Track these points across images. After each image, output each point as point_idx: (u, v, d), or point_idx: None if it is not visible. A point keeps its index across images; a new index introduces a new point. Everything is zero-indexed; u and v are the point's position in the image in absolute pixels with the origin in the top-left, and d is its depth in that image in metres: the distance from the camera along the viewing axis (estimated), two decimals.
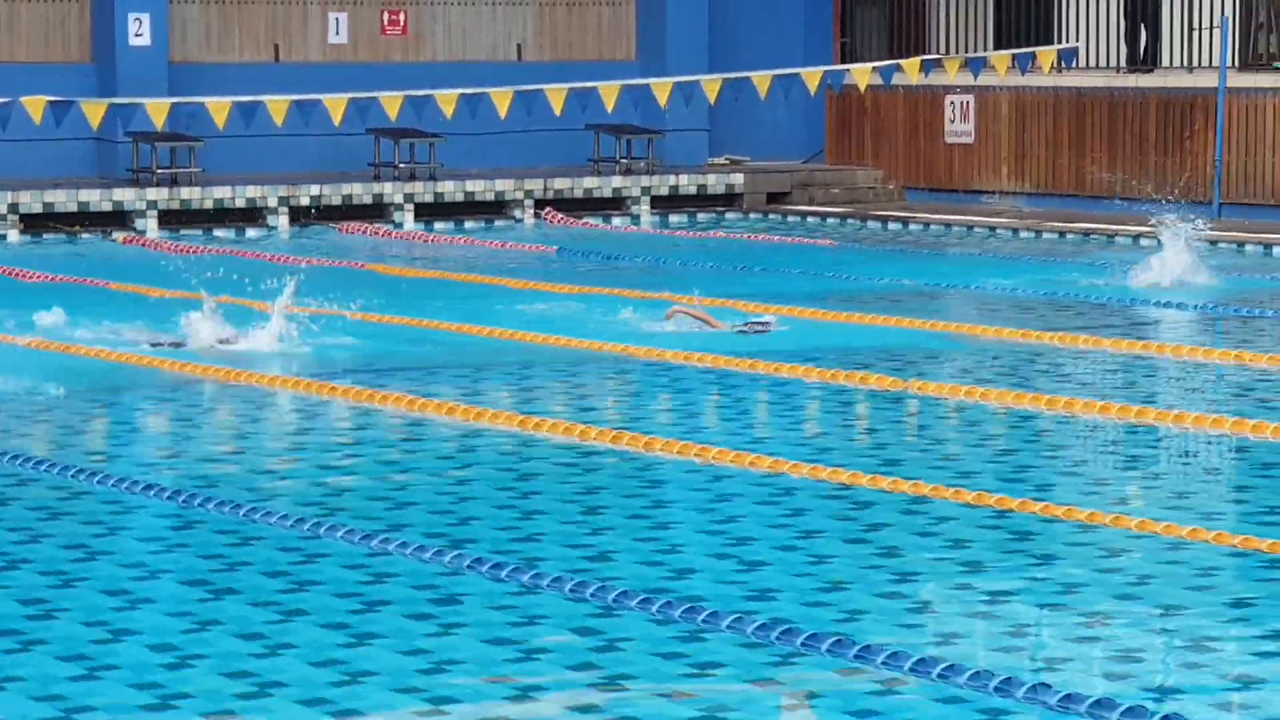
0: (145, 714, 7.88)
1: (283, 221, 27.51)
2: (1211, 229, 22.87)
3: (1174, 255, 21.15)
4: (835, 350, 16.98)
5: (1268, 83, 27.08)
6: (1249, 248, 24.82)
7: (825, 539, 10.79)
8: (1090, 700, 7.83)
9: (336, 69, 29.59)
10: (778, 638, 8.75)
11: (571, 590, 9.53)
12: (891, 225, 28.29)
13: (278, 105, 25.70)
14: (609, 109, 27.61)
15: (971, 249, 25.89)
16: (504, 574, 9.83)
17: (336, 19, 30.30)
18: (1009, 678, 8.14)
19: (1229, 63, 27.28)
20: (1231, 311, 19.69)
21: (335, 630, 8.97)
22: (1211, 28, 27.85)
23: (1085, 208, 28.09)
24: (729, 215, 29.42)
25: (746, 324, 18.15)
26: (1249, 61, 28.04)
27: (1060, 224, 27.08)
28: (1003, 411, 14.47)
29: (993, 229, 27.35)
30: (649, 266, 23.92)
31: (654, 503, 11.92)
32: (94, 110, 25.53)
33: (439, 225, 27.89)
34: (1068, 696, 7.89)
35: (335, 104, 25.90)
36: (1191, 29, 28.50)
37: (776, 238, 26.95)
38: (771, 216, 29.43)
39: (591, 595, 9.44)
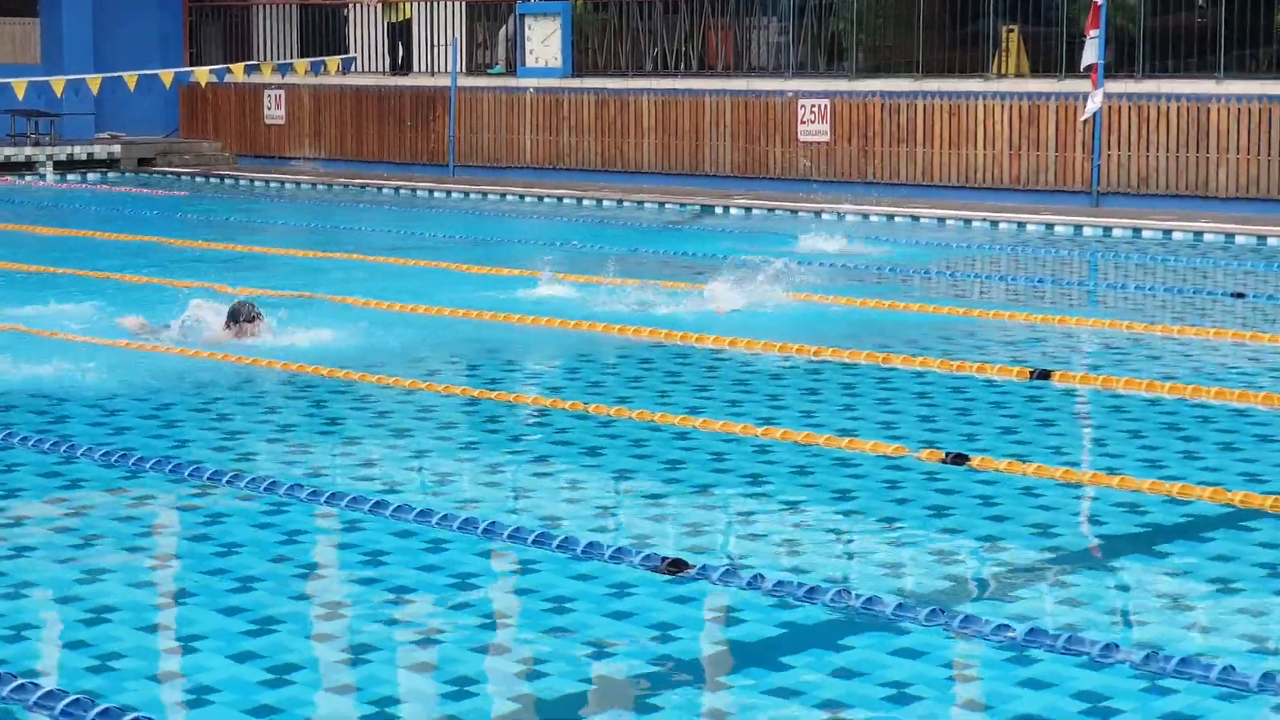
0: None
1: None
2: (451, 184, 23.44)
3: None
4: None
5: (484, 83, 27.63)
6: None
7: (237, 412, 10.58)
8: (550, 537, 7.79)
9: None
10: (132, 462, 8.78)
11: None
12: (228, 181, 28.02)
13: None
14: (20, 98, 26.75)
15: (287, 197, 25.83)
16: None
17: None
18: (439, 514, 8.33)
19: (459, 69, 27.78)
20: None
21: None
22: (447, 45, 28.27)
23: (360, 169, 28.31)
24: (111, 175, 28.67)
25: None
26: (472, 69, 28.55)
27: (344, 180, 27.17)
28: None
29: (298, 184, 27.29)
30: (53, 210, 23.31)
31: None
32: None
33: None
34: (490, 525, 7.36)
35: None
36: (434, 46, 28.86)
37: (146, 190, 26.44)
38: (142, 175, 28.79)
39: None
